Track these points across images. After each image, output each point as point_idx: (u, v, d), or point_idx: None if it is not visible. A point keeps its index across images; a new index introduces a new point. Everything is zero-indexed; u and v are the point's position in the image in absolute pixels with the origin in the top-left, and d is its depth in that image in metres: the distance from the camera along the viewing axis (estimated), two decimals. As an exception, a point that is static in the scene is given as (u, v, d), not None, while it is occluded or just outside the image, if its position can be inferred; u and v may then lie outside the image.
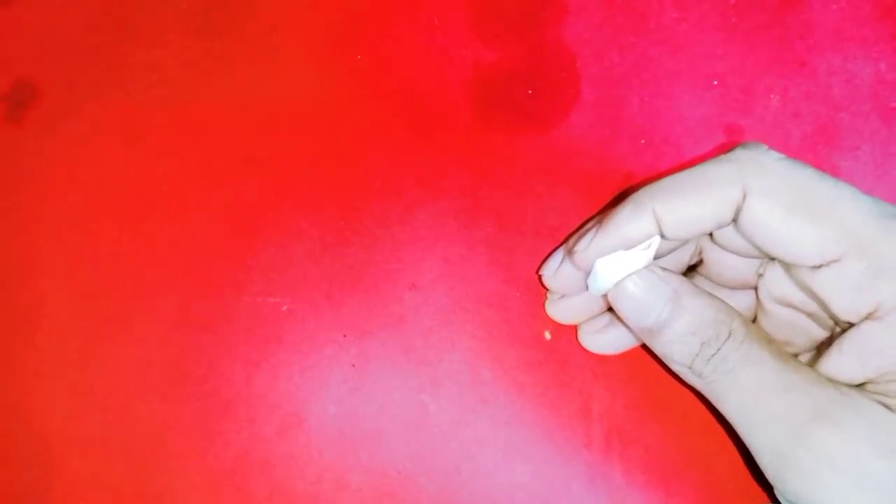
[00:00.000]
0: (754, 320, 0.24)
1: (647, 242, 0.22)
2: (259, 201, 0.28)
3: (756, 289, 0.24)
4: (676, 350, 0.21)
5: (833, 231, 0.20)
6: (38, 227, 0.27)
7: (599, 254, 0.22)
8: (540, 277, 0.26)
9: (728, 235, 0.22)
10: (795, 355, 0.24)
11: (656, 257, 0.22)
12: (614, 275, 0.22)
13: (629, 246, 0.22)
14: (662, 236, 0.22)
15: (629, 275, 0.22)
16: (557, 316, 0.26)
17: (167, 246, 0.27)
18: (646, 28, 0.29)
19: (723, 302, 0.21)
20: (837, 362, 0.21)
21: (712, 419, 0.25)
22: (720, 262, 0.24)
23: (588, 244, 0.22)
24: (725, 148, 0.28)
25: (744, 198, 0.20)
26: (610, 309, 0.24)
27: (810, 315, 0.23)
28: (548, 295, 0.26)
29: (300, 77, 0.29)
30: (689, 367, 0.21)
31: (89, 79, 0.29)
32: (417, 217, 0.27)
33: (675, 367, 0.22)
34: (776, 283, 0.23)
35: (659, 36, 0.29)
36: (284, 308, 0.27)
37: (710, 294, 0.22)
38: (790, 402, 0.20)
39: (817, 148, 0.28)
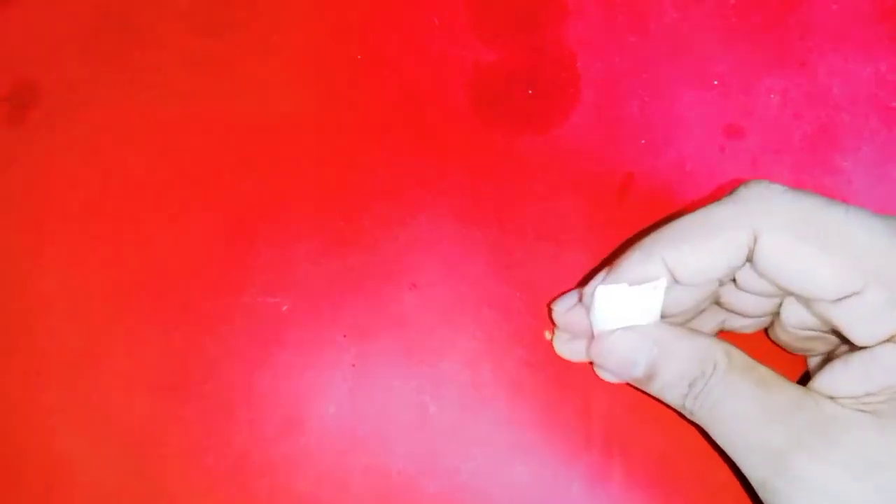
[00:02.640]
0: (770, 333, 0.25)
1: (653, 284, 0.21)
2: (259, 201, 0.28)
3: (779, 315, 0.24)
4: (668, 395, 0.22)
5: (850, 263, 0.19)
6: (38, 227, 0.27)
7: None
8: (549, 312, 0.25)
9: (746, 276, 0.22)
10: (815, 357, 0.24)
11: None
12: (614, 313, 0.22)
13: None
14: (676, 282, 0.22)
15: (615, 330, 0.22)
16: (566, 355, 0.26)
17: (167, 246, 0.27)
18: (646, 28, 0.29)
19: (704, 337, 0.22)
20: (841, 374, 0.20)
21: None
22: (739, 299, 0.24)
23: (594, 291, 0.22)
24: (725, 149, 0.28)
25: (755, 239, 0.20)
26: None
27: (830, 332, 0.23)
28: (556, 332, 0.26)
29: (300, 77, 0.29)
30: (682, 407, 0.22)
31: (89, 79, 0.29)
32: (418, 217, 0.27)
33: (668, 404, 0.23)
34: (796, 313, 0.23)
35: (659, 36, 0.29)
36: (284, 308, 0.27)
37: (691, 334, 0.22)
38: (768, 433, 0.20)
39: (817, 148, 0.28)
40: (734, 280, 0.22)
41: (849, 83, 0.29)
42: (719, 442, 0.21)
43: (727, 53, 0.29)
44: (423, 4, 0.30)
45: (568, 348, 0.25)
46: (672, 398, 0.22)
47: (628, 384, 0.24)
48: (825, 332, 0.23)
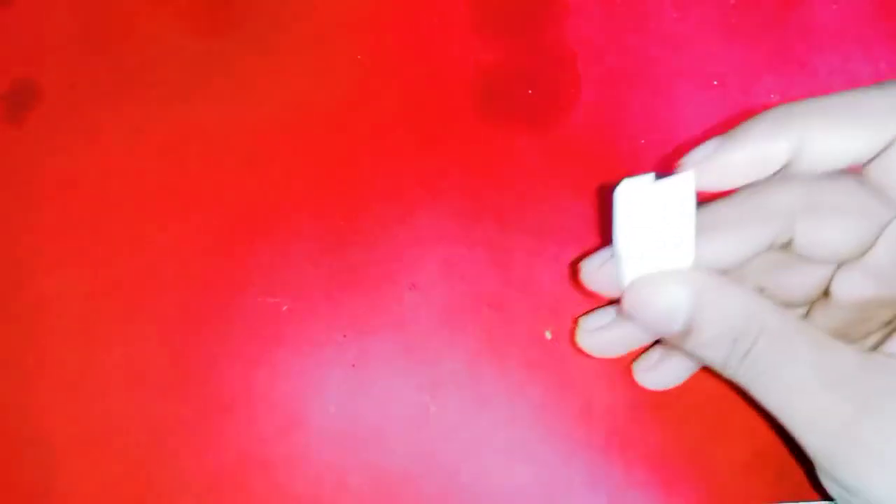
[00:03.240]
0: (827, 293, 0.23)
1: (683, 176, 0.19)
2: (259, 201, 0.28)
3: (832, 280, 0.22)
4: (708, 353, 0.20)
5: None
6: (38, 227, 0.27)
7: (715, 173, 0.19)
8: (577, 272, 0.24)
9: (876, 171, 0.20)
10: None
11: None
12: (638, 223, 0.19)
13: (754, 173, 0.19)
14: (793, 166, 0.19)
15: (646, 281, 0.20)
16: (592, 349, 0.24)
17: (167, 246, 0.27)
18: (646, 28, 0.29)
19: (752, 294, 0.20)
20: None
21: (712, 419, 0.25)
22: (818, 236, 0.21)
23: (703, 157, 0.20)
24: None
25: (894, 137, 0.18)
26: (655, 342, 0.23)
27: (883, 305, 0.21)
28: (580, 324, 0.25)
29: (300, 77, 0.29)
30: (722, 367, 0.20)
31: (89, 79, 0.29)
32: (417, 217, 0.27)
33: (707, 364, 0.21)
34: (848, 281, 0.21)
35: (659, 36, 0.29)
36: (284, 308, 0.27)
37: (737, 287, 0.20)
38: (833, 398, 0.18)
39: (817, 148, 0.28)
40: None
41: (849, 83, 0.29)
42: (770, 408, 0.20)
43: (727, 53, 0.29)
44: (423, 4, 0.30)
45: (594, 342, 0.24)
46: (712, 357, 0.20)
47: (628, 384, 0.24)
48: (880, 302, 0.21)
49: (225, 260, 0.27)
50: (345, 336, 0.26)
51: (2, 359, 0.26)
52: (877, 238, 0.21)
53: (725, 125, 0.28)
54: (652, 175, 0.19)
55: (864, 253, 0.21)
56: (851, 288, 0.21)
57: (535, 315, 0.26)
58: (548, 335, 0.26)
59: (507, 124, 0.28)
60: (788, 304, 0.23)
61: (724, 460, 0.25)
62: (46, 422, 0.26)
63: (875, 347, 0.21)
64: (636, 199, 0.19)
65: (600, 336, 0.24)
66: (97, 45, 0.29)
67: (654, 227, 0.19)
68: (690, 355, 0.21)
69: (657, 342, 0.25)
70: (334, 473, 0.25)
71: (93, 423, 0.26)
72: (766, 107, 0.28)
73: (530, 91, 0.29)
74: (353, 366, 0.26)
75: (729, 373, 0.20)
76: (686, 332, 0.20)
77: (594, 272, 0.23)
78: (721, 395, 0.25)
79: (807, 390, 0.19)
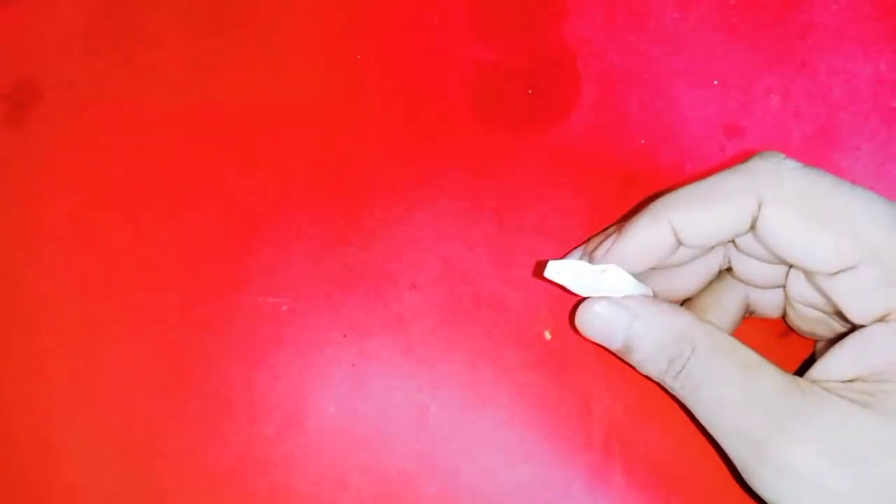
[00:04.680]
0: (784, 315, 0.25)
1: (602, 268, 0.23)
2: (259, 201, 0.28)
3: (785, 288, 0.24)
4: (647, 368, 0.23)
5: (848, 239, 0.20)
6: (38, 227, 0.28)
7: (616, 260, 0.23)
8: (538, 268, 0.26)
9: (749, 243, 0.22)
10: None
11: (677, 265, 0.23)
12: (581, 285, 0.23)
13: (647, 255, 0.22)
14: (682, 244, 0.22)
15: (590, 303, 0.23)
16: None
17: (167, 246, 0.27)
18: (646, 28, 0.29)
19: (687, 316, 0.22)
20: (834, 358, 0.21)
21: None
22: (747, 267, 0.24)
23: (606, 251, 0.23)
24: (725, 149, 0.28)
25: (759, 208, 0.21)
26: None
27: (833, 314, 0.23)
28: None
29: (300, 77, 0.29)
30: (661, 382, 0.22)
31: (89, 79, 0.29)
32: (417, 217, 0.27)
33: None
34: (798, 286, 0.23)
35: (659, 36, 0.29)
36: (284, 308, 0.27)
37: (672, 310, 0.22)
38: (750, 417, 0.20)
39: (817, 148, 0.28)
40: (734, 243, 0.23)
41: (849, 83, 0.29)
42: (702, 423, 0.22)
43: (727, 53, 0.29)
44: (423, 4, 0.30)
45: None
46: (651, 372, 0.23)
47: (628, 385, 0.24)
48: (828, 313, 0.23)
49: (225, 260, 0.27)
50: (345, 336, 0.26)
51: (2, 359, 0.26)
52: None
53: (725, 125, 0.28)
54: (577, 261, 0.23)
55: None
56: (796, 290, 0.23)
57: (534, 315, 0.26)
58: (547, 335, 0.26)
59: (507, 124, 0.28)
60: (757, 287, 0.25)
61: (724, 460, 0.25)
62: (46, 422, 0.26)
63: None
64: (563, 273, 0.23)
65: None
66: (97, 45, 0.29)
67: (591, 286, 0.23)
68: (636, 368, 0.23)
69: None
70: (334, 473, 0.25)
71: (93, 423, 0.26)
72: (766, 106, 0.29)
73: (530, 91, 0.29)
74: (353, 366, 0.26)
75: (668, 386, 0.22)
76: (626, 349, 0.23)
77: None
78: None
79: (730, 407, 0.21)
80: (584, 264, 0.23)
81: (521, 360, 0.26)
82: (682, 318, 0.22)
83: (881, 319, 0.20)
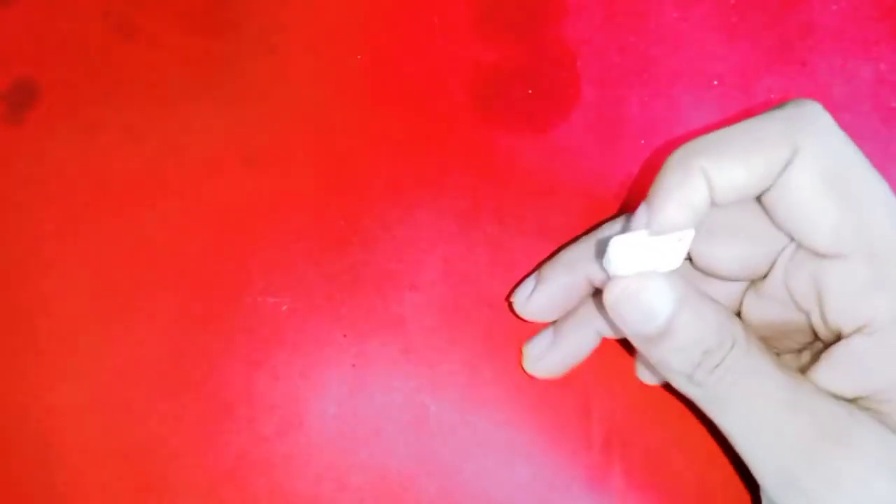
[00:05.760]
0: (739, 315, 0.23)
1: (678, 235, 0.19)
2: (259, 201, 0.28)
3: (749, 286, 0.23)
4: (677, 359, 0.20)
5: (852, 222, 0.18)
6: (38, 226, 0.27)
7: (657, 228, 0.19)
8: (510, 306, 0.25)
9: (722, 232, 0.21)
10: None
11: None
12: (630, 262, 0.20)
13: (689, 215, 0.19)
14: (713, 203, 0.20)
15: (636, 275, 0.20)
16: (539, 373, 0.25)
17: (167, 246, 0.27)
18: (646, 28, 0.29)
19: (727, 310, 0.20)
20: (830, 375, 0.20)
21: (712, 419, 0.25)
22: (712, 254, 0.22)
23: (644, 221, 0.20)
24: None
25: (792, 158, 0.19)
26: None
27: (790, 323, 0.22)
28: (525, 353, 0.25)
29: (300, 77, 0.29)
30: (689, 377, 0.20)
31: (89, 79, 0.29)
32: (417, 217, 0.27)
33: (670, 376, 0.20)
34: (755, 306, 0.22)
35: (659, 36, 0.29)
36: (284, 308, 0.27)
37: (713, 300, 0.20)
38: (796, 419, 0.18)
39: (817, 148, 0.28)
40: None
41: (849, 83, 0.29)
42: (730, 423, 0.20)
43: (727, 53, 0.29)
44: (423, 4, 0.30)
45: (541, 367, 0.25)
46: (681, 365, 0.20)
47: (628, 386, 0.24)
48: (788, 319, 0.22)
49: (225, 260, 0.27)
50: (345, 336, 0.26)
51: (2, 359, 0.26)
52: (773, 263, 0.21)
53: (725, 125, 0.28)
54: (644, 233, 0.19)
55: (764, 276, 0.22)
56: (756, 310, 0.22)
57: (535, 315, 0.26)
58: (548, 335, 0.26)
59: (507, 124, 0.28)
60: (711, 275, 0.23)
61: (724, 462, 0.25)
62: (46, 422, 0.26)
63: (804, 369, 0.21)
64: (629, 250, 0.19)
65: (545, 361, 0.25)
66: (97, 45, 0.29)
67: (647, 262, 0.20)
68: (656, 362, 0.20)
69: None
70: (334, 473, 0.25)
71: (93, 424, 0.26)
72: (766, 107, 0.29)
73: (530, 91, 0.29)
74: (353, 366, 0.26)
75: (693, 383, 0.20)
76: (661, 333, 0.19)
77: (524, 303, 0.25)
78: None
79: (770, 409, 0.19)
80: (646, 237, 0.19)
81: (521, 360, 0.26)
82: (724, 310, 0.20)
83: (860, 330, 0.19)
